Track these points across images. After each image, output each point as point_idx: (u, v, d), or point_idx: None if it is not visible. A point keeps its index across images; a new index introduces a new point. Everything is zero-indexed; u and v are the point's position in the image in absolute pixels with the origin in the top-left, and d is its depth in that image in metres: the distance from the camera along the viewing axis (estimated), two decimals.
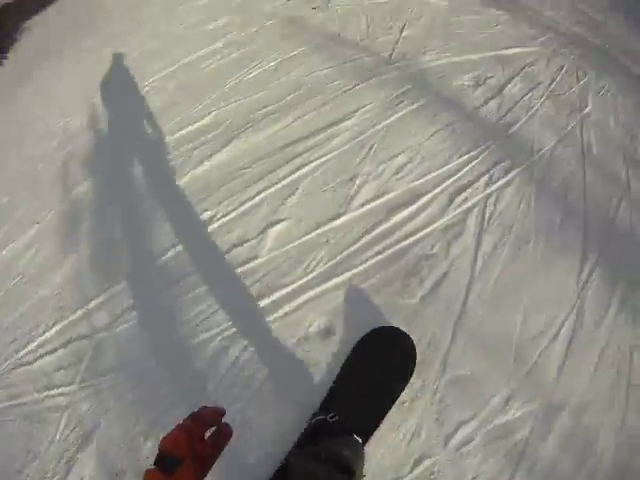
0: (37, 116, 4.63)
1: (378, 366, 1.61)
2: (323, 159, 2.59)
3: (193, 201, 2.55)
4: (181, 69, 4.15)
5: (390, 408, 1.56)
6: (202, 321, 1.95)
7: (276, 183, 2.50)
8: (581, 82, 3.72)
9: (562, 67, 3.87)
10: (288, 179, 2.51)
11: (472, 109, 2.96)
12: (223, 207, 2.45)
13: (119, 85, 4.34)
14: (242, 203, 2.44)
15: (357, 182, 2.42)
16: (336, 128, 2.80)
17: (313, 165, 2.56)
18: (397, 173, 2.44)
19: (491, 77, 3.40)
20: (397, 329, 1.73)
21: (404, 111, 2.91)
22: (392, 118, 2.85)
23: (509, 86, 3.32)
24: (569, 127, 3.02)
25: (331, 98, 3.10)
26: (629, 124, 3.37)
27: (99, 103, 4.14)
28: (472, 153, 2.57)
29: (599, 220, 2.36)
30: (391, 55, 3.57)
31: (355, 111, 2.93)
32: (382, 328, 1.74)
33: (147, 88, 4.03)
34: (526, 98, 3.22)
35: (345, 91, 3.17)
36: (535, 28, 4.70)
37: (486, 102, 3.04)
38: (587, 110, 3.31)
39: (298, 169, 2.55)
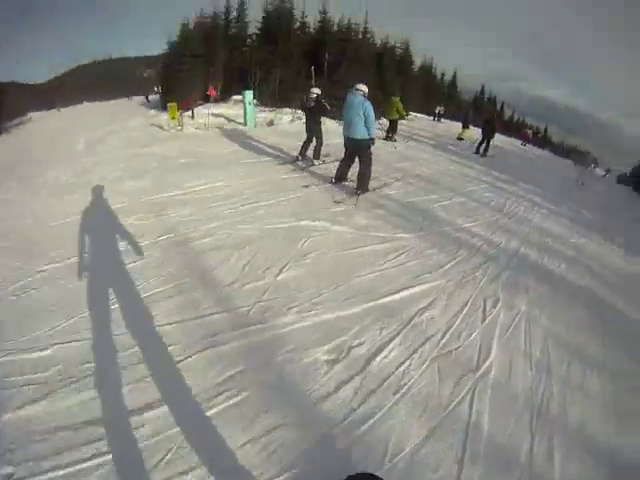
0: None
1: None
2: (114, 455, 2.10)
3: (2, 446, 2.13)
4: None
5: None
6: None
7: (69, 465, 2.03)
8: (487, 319, 3.42)
9: (467, 302, 3.62)
10: (76, 467, 2.03)
11: (314, 401, 2.43)
12: (21, 469, 2.01)
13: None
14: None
15: None
16: (141, 417, 2.33)
17: (103, 459, 2.07)
18: None
19: (360, 344, 2.89)
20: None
21: (220, 407, 2.37)
22: (204, 414, 2.37)
23: (382, 354, 2.82)
24: (453, 404, 2.50)
25: (152, 372, 2.63)
26: (543, 361, 3.01)
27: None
28: None
29: None
30: (249, 311, 3.21)
31: (168, 399, 2.47)
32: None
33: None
34: (401, 370, 2.68)
35: (174, 362, 2.70)
36: (445, 249, 4.62)
37: (338, 388, 2.53)
38: (488, 363, 2.88)
39: (88, 459, 2.07)
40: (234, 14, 19.76)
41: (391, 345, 2.95)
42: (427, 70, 31.36)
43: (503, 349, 3.06)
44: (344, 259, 4.12)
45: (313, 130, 7.83)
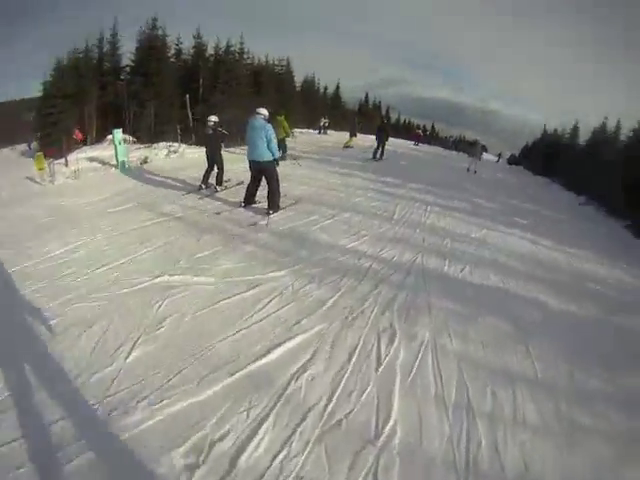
0: None
1: None
2: None
3: None
4: None
5: None
6: None
7: None
8: (384, 363, 2.92)
9: (356, 346, 3.08)
10: None
11: None
12: None
13: None
14: None
15: None
16: None
17: None
18: None
19: (223, 437, 2.28)
20: None
21: None
22: None
23: (251, 445, 2.23)
24: None
25: None
26: (461, 400, 2.62)
27: None
28: None
29: None
30: (95, 413, 2.49)
31: None
32: None
33: None
34: (277, 463, 2.12)
35: None
36: (327, 281, 4.08)
37: None
38: (390, 425, 2.38)
39: None
40: (107, 47, 18.90)
41: (262, 429, 2.34)
42: (309, 85, 32.01)
43: (408, 400, 2.60)
44: (205, 319, 3.41)
45: (214, 157, 8.27)
